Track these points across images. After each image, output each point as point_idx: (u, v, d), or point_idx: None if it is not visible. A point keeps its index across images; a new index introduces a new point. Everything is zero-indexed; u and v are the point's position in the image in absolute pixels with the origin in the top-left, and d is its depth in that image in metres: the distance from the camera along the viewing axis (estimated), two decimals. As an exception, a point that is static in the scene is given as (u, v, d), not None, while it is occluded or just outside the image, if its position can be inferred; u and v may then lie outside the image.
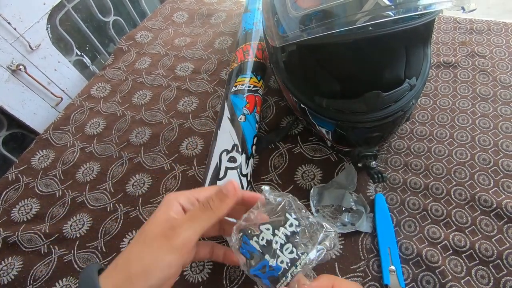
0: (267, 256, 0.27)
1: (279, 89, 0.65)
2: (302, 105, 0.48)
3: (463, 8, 0.35)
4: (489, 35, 0.66)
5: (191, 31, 0.87)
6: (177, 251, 0.25)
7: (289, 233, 0.28)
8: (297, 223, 0.28)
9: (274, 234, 0.27)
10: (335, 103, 0.45)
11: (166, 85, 0.74)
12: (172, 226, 0.26)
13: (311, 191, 0.51)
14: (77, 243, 0.53)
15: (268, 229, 0.27)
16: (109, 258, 0.51)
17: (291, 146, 0.58)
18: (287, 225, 0.28)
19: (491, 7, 1.73)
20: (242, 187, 0.49)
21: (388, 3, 0.34)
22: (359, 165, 0.46)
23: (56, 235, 0.55)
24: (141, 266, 0.24)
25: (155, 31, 0.90)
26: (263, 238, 0.27)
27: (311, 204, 0.50)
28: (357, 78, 0.50)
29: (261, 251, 0.27)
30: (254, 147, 0.54)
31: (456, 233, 0.45)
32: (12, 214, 0.58)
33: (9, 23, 0.68)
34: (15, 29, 0.70)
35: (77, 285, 0.28)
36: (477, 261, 0.43)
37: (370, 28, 0.38)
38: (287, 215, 0.28)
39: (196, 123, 0.66)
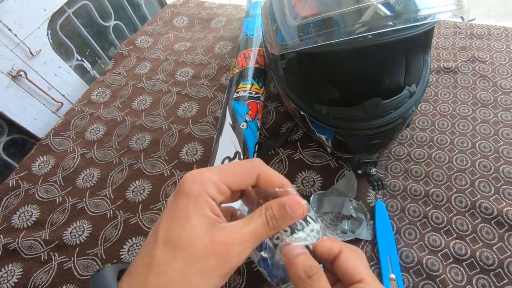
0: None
1: (279, 95, 0.65)
2: (301, 112, 0.48)
3: (462, 18, 0.35)
4: (490, 40, 0.66)
5: (191, 35, 0.88)
6: (229, 274, 0.20)
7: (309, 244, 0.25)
8: (317, 236, 0.25)
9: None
10: (335, 111, 0.45)
11: (166, 90, 0.74)
12: (225, 241, 0.19)
13: (311, 198, 0.51)
14: (77, 250, 0.53)
15: (285, 231, 0.24)
16: (109, 265, 0.51)
17: (291, 152, 0.58)
18: (307, 230, 0.25)
19: (492, 9, 1.73)
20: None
21: (387, 12, 0.34)
22: (359, 172, 0.46)
23: (56, 242, 0.55)
24: None
25: (155, 35, 0.90)
26: (278, 238, 0.25)
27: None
28: (357, 86, 0.50)
29: (273, 248, 0.25)
30: (255, 154, 0.54)
31: (456, 241, 0.45)
32: (12, 221, 0.58)
33: (9, 29, 0.68)
34: (15, 35, 0.70)
35: None
36: (478, 270, 0.42)
37: (370, 37, 0.38)
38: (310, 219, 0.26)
39: (196, 128, 0.66)
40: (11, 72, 0.71)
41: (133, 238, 0.53)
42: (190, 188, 0.20)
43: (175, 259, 0.19)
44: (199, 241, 0.19)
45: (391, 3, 0.35)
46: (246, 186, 0.23)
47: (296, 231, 0.24)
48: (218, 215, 0.21)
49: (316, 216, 0.26)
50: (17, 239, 0.55)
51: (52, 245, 0.54)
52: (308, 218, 0.25)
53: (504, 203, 0.46)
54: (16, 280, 0.52)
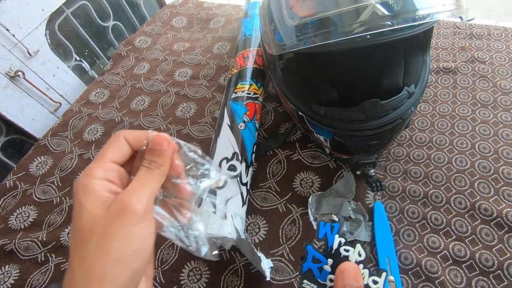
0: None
1: (277, 95, 0.65)
2: (300, 113, 0.48)
3: (461, 18, 0.35)
4: (489, 40, 0.66)
5: (190, 36, 0.87)
6: (142, 218, 0.21)
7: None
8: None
9: None
10: (333, 111, 0.44)
11: (164, 90, 0.74)
12: (119, 200, 0.21)
13: (310, 199, 0.51)
14: (74, 251, 0.53)
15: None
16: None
17: (289, 152, 0.58)
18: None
19: (492, 9, 1.72)
20: (242, 196, 0.49)
21: (385, 12, 0.34)
22: (358, 173, 0.46)
23: (53, 243, 0.54)
24: (114, 257, 0.20)
25: (154, 36, 0.89)
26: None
27: (310, 212, 0.50)
28: (355, 86, 0.50)
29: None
30: (253, 155, 0.54)
31: (456, 242, 0.44)
32: (9, 222, 0.58)
33: (7, 29, 0.68)
34: (13, 35, 0.70)
35: None
36: (478, 272, 0.42)
37: (368, 37, 0.37)
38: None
39: (194, 129, 0.66)
40: (9, 72, 0.71)
41: (131, 239, 0.53)
42: (77, 183, 0.21)
43: (88, 244, 0.19)
44: (100, 218, 0.20)
45: (390, 2, 0.35)
46: (124, 152, 0.24)
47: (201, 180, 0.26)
48: (116, 192, 0.22)
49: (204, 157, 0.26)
50: (14, 240, 0.55)
51: (49, 246, 0.54)
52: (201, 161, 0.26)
53: (504, 205, 0.46)
54: (12, 282, 0.51)
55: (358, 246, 0.25)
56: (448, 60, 0.65)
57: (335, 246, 0.25)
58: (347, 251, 0.25)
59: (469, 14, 0.35)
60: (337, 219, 0.26)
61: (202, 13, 0.93)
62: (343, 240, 0.25)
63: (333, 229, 0.26)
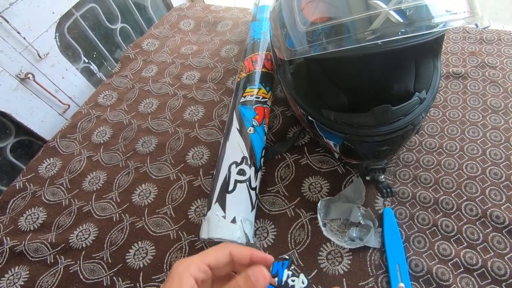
0: None
1: (285, 99, 0.65)
2: (310, 118, 0.48)
3: (476, 25, 0.35)
4: (500, 45, 0.65)
5: (198, 39, 0.88)
6: None
7: None
8: None
9: None
10: (343, 117, 0.44)
11: (172, 93, 0.75)
12: None
13: (318, 204, 0.51)
14: (83, 253, 0.53)
15: None
16: (115, 269, 0.51)
17: (298, 157, 0.58)
18: None
19: (499, 12, 1.71)
20: (251, 201, 0.49)
21: (399, 19, 0.34)
22: (367, 178, 0.46)
23: (63, 245, 0.55)
24: None
25: (162, 38, 0.90)
26: None
27: (318, 218, 0.50)
28: (366, 92, 0.50)
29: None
30: (262, 159, 0.54)
31: (467, 250, 0.44)
32: (19, 223, 0.59)
33: (18, 32, 0.69)
34: (24, 38, 0.70)
35: None
36: (490, 280, 0.42)
37: (380, 43, 0.37)
38: None
39: (202, 132, 0.66)
40: (19, 74, 0.72)
41: (139, 242, 0.53)
42: (176, 270, 0.26)
43: None
44: None
45: (403, 9, 0.35)
46: (222, 261, 0.28)
47: None
48: None
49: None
50: (23, 242, 0.55)
51: (58, 248, 0.54)
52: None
53: (516, 212, 0.46)
54: (22, 283, 0.52)
55: (302, 275, 0.30)
56: (458, 65, 0.65)
57: (284, 278, 0.30)
58: (293, 281, 0.30)
59: (484, 22, 0.35)
60: (287, 257, 0.33)
61: (210, 16, 0.93)
62: (290, 273, 0.30)
63: (283, 265, 0.31)
